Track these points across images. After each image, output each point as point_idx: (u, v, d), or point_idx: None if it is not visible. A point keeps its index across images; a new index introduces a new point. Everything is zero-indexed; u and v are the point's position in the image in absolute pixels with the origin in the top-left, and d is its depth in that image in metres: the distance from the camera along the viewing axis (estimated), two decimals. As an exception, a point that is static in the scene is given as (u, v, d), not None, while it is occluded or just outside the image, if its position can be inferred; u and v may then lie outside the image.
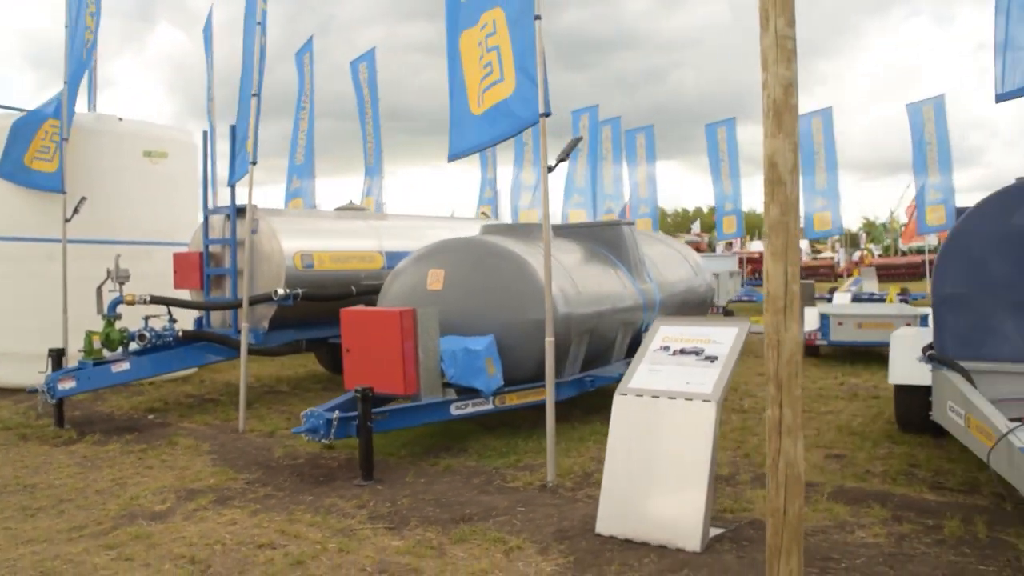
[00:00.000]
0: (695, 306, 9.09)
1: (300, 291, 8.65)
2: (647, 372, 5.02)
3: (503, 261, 6.89)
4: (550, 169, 5.92)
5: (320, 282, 9.08)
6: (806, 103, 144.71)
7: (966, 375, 5.43)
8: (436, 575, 4.31)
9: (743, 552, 4.50)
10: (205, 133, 9.25)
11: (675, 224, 79.43)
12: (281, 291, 8.56)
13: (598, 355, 7.73)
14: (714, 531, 4.68)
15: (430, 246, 7.56)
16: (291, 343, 9.21)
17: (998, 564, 4.25)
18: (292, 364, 12.61)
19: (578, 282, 7.31)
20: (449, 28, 6.52)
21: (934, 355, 5.79)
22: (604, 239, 8.26)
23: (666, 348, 5.13)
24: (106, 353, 8.22)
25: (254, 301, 8.61)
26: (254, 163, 7.92)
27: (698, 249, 42.39)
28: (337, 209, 11.08)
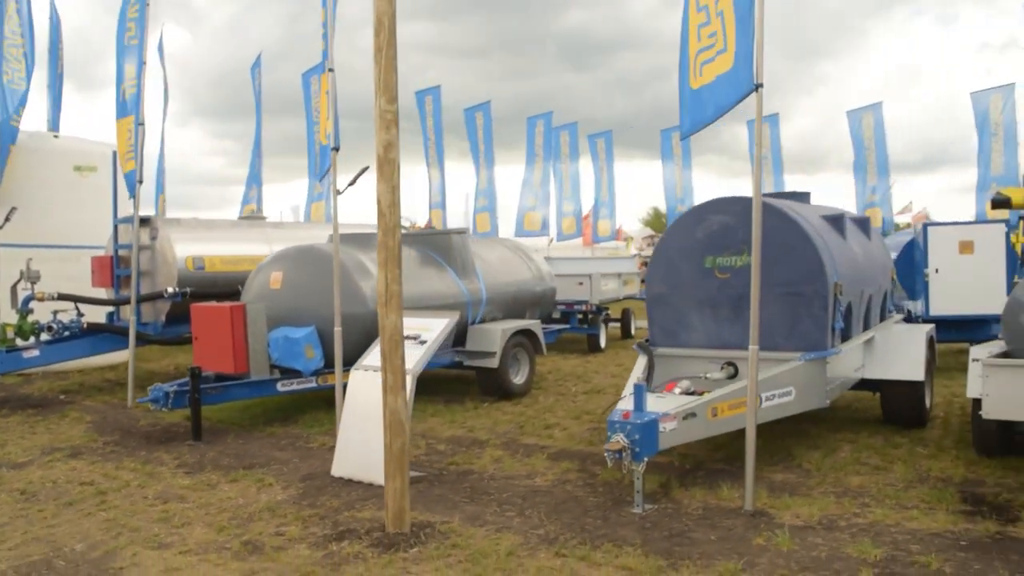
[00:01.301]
0: (530, 303, 10.63)
1: (188, 290, 10.31)
2: (376, 352, 6.60)
3: (325, 265, 8.49)
4: (339, 193, 7.35)
5: (211, 282, 10.72)
6: (807, 104, 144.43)
7: (650, 357, 6.95)
8: (199, 502, 5.92)
9: (421, 487, 6.08)
10: (114, 152, 10.93)
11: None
12: (171, 289, 10.23)
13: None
14: (414, 474, 6.25)
15: (278, 252, 9.19)
16: (186, 335, 10.86)
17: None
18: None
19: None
20: None
21: (640, 343, 7.30)
22: (436, 245, 9.83)
23: (412, 334, 6.69)
24: (19, 342, 9.92)
25: (147, 298, 10.32)
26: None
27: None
28: (241, 218, 12.75)
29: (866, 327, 7.86)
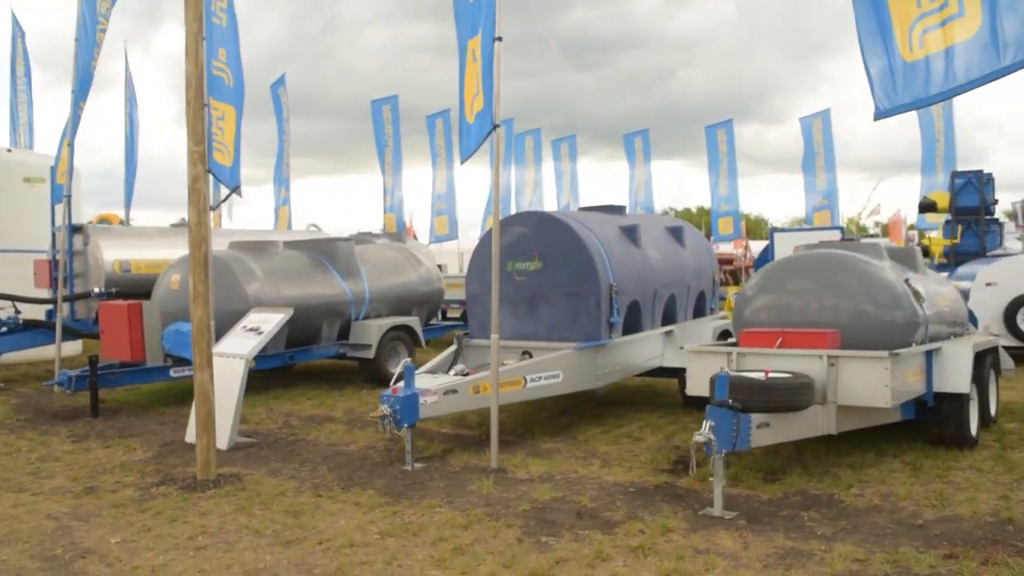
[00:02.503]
0: (416, 302, 12.11)
1: (114, 290, 11.87)
2: (228, 340, 8.13)
3: (214, 269, 10.01)
4: (212, 209, 8.84)
5: (137, 283, 12.27)
6: (811, 102, 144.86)
7: (459, 347, 8.41)
8: (69, 461, 7.43)
9: (251, 449, 7.60)
10: (52, 169, 12.50)
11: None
12: (97, 289, 11.80)
13: (307, 338, 10.82)
14: (244, 440, 7.77)
15: (178, 258, 10.72)
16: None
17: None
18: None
19: (280, 284, 10.41)
20: None
21: (457, 335, 8.76)
22: (324, 251, 11.34)
23: (245, 326, 8.22)
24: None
25: (77, 297, 11.89)
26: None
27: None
28: (172, 225, 14.33)
29: (668, 322, 9.28)
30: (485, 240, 8.79)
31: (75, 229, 12.27)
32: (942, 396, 6.93)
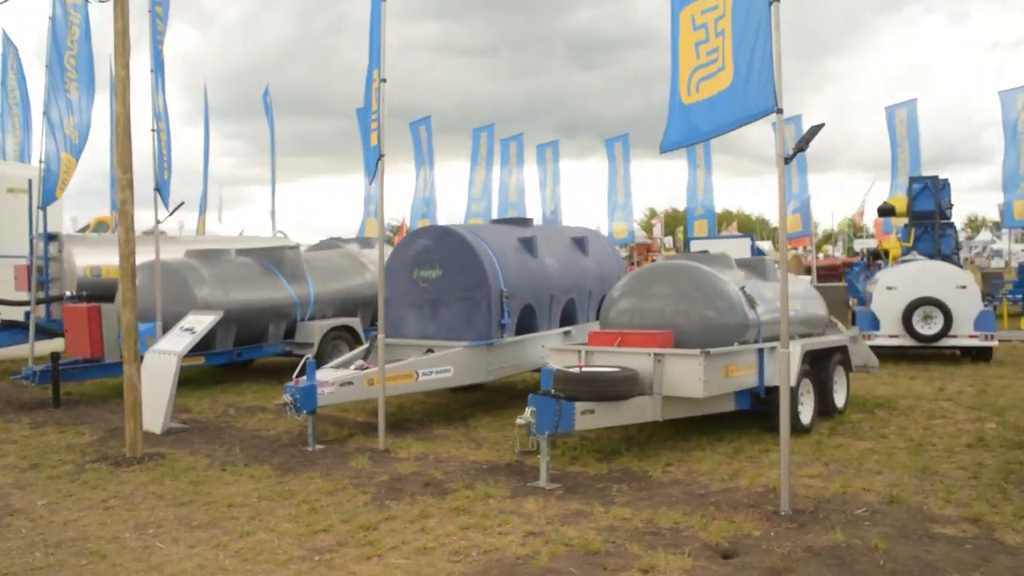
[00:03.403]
0: (361, 305, 13.32)
1: (84, 292, 13.15)
2: (166, 339, 9.37)
3: (166, 273, 11.24)
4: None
5: (106, 287, 13.51)
6: (816, 101, 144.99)
7: (370, 345, 9.60)
8: (24, 443, 8.67)
9: (183, 434, 8.83)
10: (30, 181, 13.79)
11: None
12: (69, 292, 13.09)
13: (254, 337, 12.06)
14: (177, 425, 9.00)
15: (139, 264, 11.95)
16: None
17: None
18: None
19: (229, 289, 11.65)
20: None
21: (373, 335, 9.94)
22: (272, 258, 12.57)
23: (182, 327, 9.46)
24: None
25: (51, 300, 13.19)
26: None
27: (649, 250, 46.22)
28: (144, 233, 15.59)
29: (569, 324, 10.43)
30: (394, 252, 9.99)
31: (50, 237, 13.56)
32: (774, 389, 8.05)
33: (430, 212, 26.98)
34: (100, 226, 29.02)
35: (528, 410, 6.52)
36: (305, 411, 7.96)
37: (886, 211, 22.33)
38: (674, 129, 6.23)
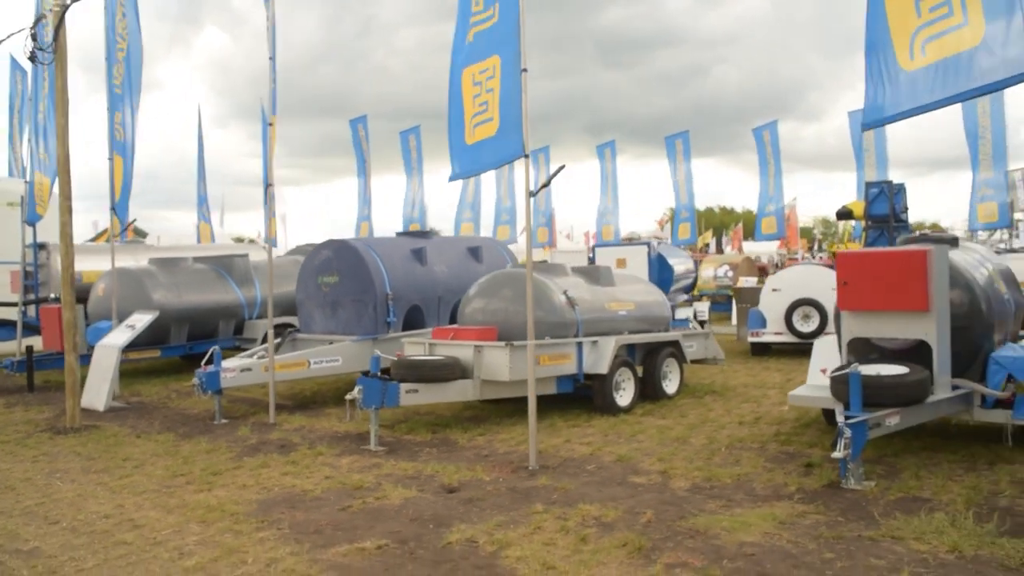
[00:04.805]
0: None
1: (67, 294, 15.44)
2: (113, 333, 11.55)
3: (123, 276, 13.43)
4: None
5: (87, 290, 15.81)
6: (848, 99, 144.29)
7: (283, 339, 11.67)
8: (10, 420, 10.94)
9: (124, 412, 10.99)
10: (22, 197, 16.12)
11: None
12: (53, 295, 15.41)
13: (207, 333, 14.24)
14: (118, 404, 11.18)
15: (105, 271, 14.21)
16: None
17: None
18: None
19: (183, 292, 13.84)
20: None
21: (288, 330, 12.01)
22: (224, 265, 14.73)
23: (127, 323, 11.64)
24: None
25: (39, 301, 15.54)
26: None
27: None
28: (127, 242, 17.93)
29: (454, 322, 12.37)
30: (305, 261, 12.06)
31: (40, 246, 15.91)
32: (593, 376, 9.94)
33: (420, 218, 29.12)
34: (116, 230, 31.68)
35: (356, 388, 8.51)
36: (211, 391, 10.06)
37: (844, 214, 23.81)
38: (458, 164, 8.06)
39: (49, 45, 9.78)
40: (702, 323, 13.41)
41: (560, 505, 6.31)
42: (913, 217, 23.86)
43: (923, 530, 5.41)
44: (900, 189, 21.04)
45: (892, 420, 6.69)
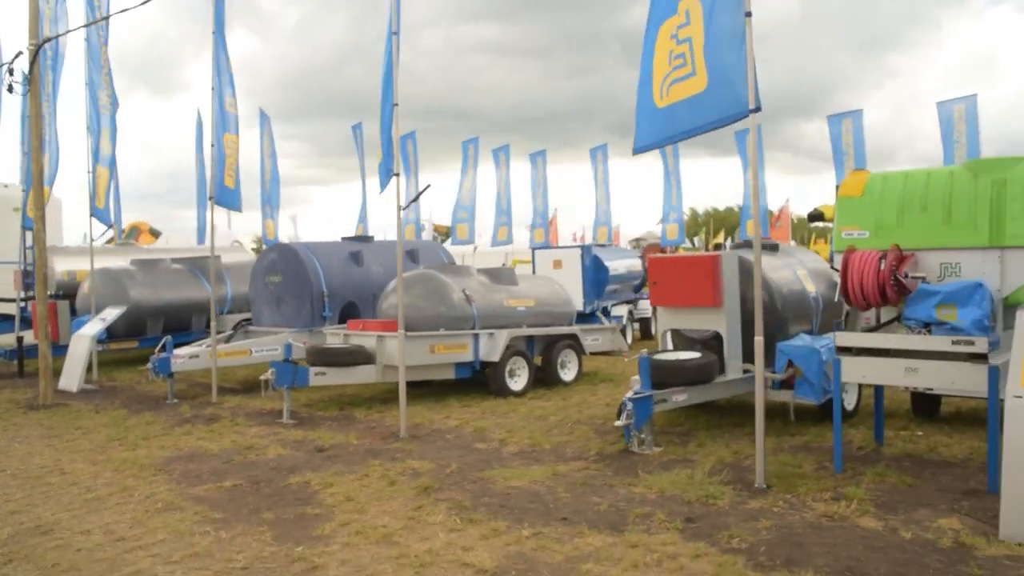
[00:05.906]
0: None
1: (61, 292, 17.48)
2: (88, 324, 13.47)
3: (104, 276, 15.37)
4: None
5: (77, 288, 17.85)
6: (877, 98, 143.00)
7: (236, 330, 13.49)
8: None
9: (95, 392, 12.90)
10: (16, 209, 18.16)
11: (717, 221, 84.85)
12: (50, 292, 17.43)
13: (182, 327, 16.15)
14: (89, 386, 13.09)
15: (93, 270, 16.17)
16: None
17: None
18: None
19: (159, 289, 15.75)
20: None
21: (240, 322, 13.81)
22: (198, 265, 16.63)
23: (100, 316, 13.55)
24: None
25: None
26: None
27: (660, 249, 49.05)
28: (118, 244, 19.95)
29: (394, 317, 14.08)
30: (256, 261, 13.87)
31: (39, 247, 17.96)
32: (488, 363, 11.59)
33: (416, 219, 30.94)
34: (133, 231, 34.00)
35: (270, 371, 10.26)
36: (163, 374, 11.90)
37: (815, 216, 25.01)
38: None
39: (24, 77, 11.68)
40: (620, 321, 14.96)
41: (395, 461, 7.99)
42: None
43: (663, 482, 6.97)
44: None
45: (679, 397, 8.26)
